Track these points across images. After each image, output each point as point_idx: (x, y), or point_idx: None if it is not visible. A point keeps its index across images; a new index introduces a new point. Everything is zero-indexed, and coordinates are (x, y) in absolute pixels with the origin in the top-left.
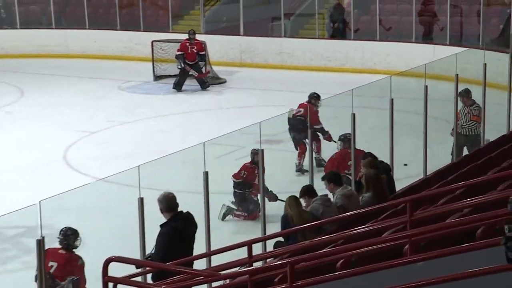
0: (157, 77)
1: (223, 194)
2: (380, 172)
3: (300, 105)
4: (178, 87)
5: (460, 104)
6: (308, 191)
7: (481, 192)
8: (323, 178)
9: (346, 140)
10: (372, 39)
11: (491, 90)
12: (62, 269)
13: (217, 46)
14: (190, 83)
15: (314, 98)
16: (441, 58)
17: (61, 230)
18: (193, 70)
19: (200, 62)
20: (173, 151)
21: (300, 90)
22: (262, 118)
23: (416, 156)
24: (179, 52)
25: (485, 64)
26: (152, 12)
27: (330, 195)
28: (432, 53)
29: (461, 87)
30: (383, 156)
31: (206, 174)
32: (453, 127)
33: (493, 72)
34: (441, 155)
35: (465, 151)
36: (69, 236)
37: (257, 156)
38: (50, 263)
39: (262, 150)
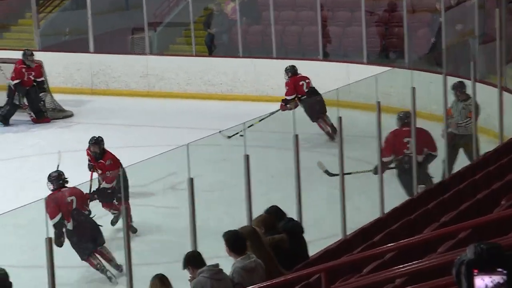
0: None
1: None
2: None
3: None
4: (3, 120)
5: (451, 99)
6: (192, 259)
7: (417, 255)
8: (223, 236)
9: (403, 117)
10: (267, 56)
11: (424, 121)
12: (81, 199)
13: (60, 67)
14: (19, 117)
15: None
16: (357, 81)
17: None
18: (29, 109)
19: (41, 94)
20: (1, 211)
21: (174, 125)
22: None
23: (332, 209)
24: (16, 81)
25: (414, 88)
26: None
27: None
28: (345, 73)
29: (385, 117)
30: (289, 211)
31: (49, 240)
32: (443, 128)
33: (423, 98)
34: (364, 208)
35: (462, 155)
36: (58, 177)
37: None
38: (69, 199)
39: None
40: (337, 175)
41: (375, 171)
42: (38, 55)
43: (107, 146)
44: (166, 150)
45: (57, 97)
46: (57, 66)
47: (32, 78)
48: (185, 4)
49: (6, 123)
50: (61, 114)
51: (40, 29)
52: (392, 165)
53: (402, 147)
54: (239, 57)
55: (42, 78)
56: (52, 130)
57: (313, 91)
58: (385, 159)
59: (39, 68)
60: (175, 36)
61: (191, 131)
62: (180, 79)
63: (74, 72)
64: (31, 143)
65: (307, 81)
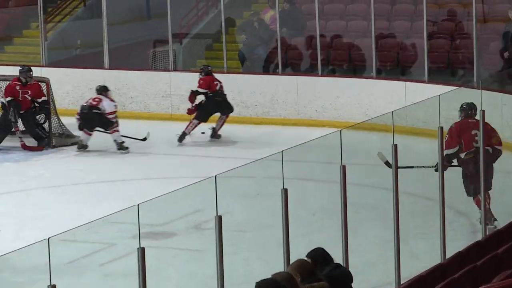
0: None
1: None
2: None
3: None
4: None
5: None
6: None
7: None
8: (256, 285)
9: (467, 109)
10: (311, 73)
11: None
12: None
13: (69, 85)
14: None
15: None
16: (416, 103)
17: None
18: (21, 132)
19: (40, 115)
20: None
21: (200, 153)
22: (143, 199)
23: (384, 254)
24: (9, 98)
25: (483, 111)
26: None
27: None
28: (402, 93)
29: None
30: (333, 255)
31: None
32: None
33: (495, 123)
34: (422, 252)
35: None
36: None
37: None
38: None
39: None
40: (400, 167)
41: (436, 168)
42: (45, 72)
43: (122, 177)
44: (191, 182)
45: (65, 120)
46: (66, 84)
47: (29, 98)
48: (216, 12)
49: None
50: (69, 140)
51: (48, 41)
52: (463, 156)
53: (470, 139)
54: (278, 74)
55: (44, 98)
56: (59, 159)
57: (222, 94)
58: (449, 151)
59: (37, 87)
60: (203, 50)
61: (221, 160)
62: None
63: (85, 92)
64: (34, 174)
65: (221, 84)
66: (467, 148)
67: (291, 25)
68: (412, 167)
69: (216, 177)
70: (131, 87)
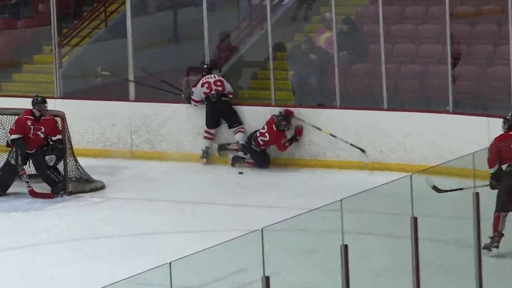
0: None
1: None
2: None
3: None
4: (1, 189)
5: None
6: None
7: None
8: None
9: (510, 120)
10: (375, 106)
11: None
12: None
13: (87, 120)
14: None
15: None
16: (502, 143)
17: None
18: (27, 176)
19: (50, 156)
20: None
21: (244, 202)
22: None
23: None
24: (15, 135)
25: None
26: None
27: None
28: (485, 131)
29: None
30: None
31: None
32: None
33: None
34: None
35: None
36: None
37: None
38: None
39: None
40: (447, 191)
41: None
42: (59, 104)
43: (150, 229)
44: (232, 237)
45: (83, 162)
46: (84, 120)
47: (42, 136)
48: (262, 34)
49: (2, 192)
50: (87, 186)
51: (63, 68)
52: (505, 168)
53: (509, 151)
54: (335, 107)
55: (59, 136)
56: (76, 208)
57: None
58: (492, 170)
59: (52, 123)
60: (247, 79)
61: (266, 210)
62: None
63: (107, 128)
64: (46, 225)
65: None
66: (506, 161)
67: (351, 50)
68: (461, 188)
69: (262, 230)
70: (161, 123)
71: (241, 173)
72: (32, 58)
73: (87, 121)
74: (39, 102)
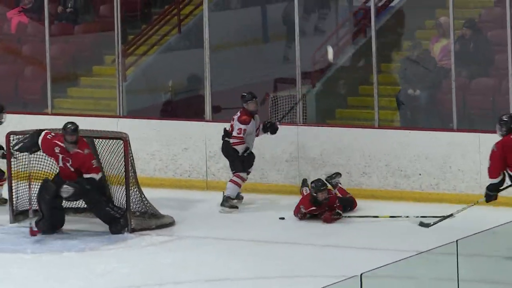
0: (17, 215)
1: None
2: None
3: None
4: (47, 229)
5: None
6: None
7: None
8: None
9: (509, 122)
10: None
11: None
12: None
13: (155, 144)
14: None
15: None
16: None
17: None
18: (33, 212)
19: (67, 187)
20: None
21: (343, 243)
22: None
23: None
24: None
25: None
26: (8, 69)
27: None
28: None
29: None
30: None
31: None
32: None
33: None
34: None
35: None
36: None
37: None
38: None
39: None
40: (435, 222)
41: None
42: (122, 124)
43: (226, 274)
44: (324, 284)
45: (149, 193)
46: (152, 143)
47: (72, 169)
48: (365, 42)
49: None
50: (153, 222)
51: (127, 81)
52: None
53: None
54: (452, 130)
55: (93, 175)
56: (140, 249)
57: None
58: (493, 181)
59: (81, 158)
60: (345, 95)
61: (364, 252)
62: (352, 166)
63: (178, 153)
64: (103, 269)
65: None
66: None
67: (472, 61)
68: (451, 215)
69: (361, 276)
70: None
71: (282, 218)
72: (91, 70)
73: (155, 145)
74: (71, 132)
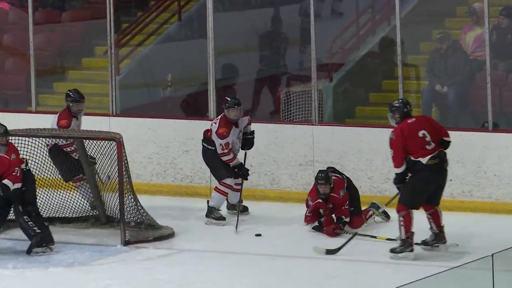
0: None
1: None
2: None
3: None
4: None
5: None
6: None
7: None
8: None
9: (401, 106)
10: None
11: None
12: None
13: (153, 146)
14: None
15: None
16: None
17: None
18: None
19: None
20: None
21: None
22: None
23: None
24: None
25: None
26: None
27: None
28: None
29: None
30: None
31: None
32: None
33: None
34: None
35: None
36: None
37: None
38: None
39: None
40: (339, 248)
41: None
42: (115, 124)
43: None
44: None
45: (146, 201)
46: (149, 144)
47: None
48: (389, 30)
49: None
50: (151, 233)
51: (121, 75)
52: (425, 161)
53: (422, 143)
54: (486, 130)
55: (8, 183)
56: (135, 264)
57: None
58: (398, 171)
59: (6, 163)
60: (366, 91)
61: (392, 268)
62: (374, 171)
63: (179, 156)
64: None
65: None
66: (418, 155)
67: (510, 52)
68: (353, 235)
69: None
70: (252, 150)
71: (258, 235)
72: (80, 62)
73: (153, 147)
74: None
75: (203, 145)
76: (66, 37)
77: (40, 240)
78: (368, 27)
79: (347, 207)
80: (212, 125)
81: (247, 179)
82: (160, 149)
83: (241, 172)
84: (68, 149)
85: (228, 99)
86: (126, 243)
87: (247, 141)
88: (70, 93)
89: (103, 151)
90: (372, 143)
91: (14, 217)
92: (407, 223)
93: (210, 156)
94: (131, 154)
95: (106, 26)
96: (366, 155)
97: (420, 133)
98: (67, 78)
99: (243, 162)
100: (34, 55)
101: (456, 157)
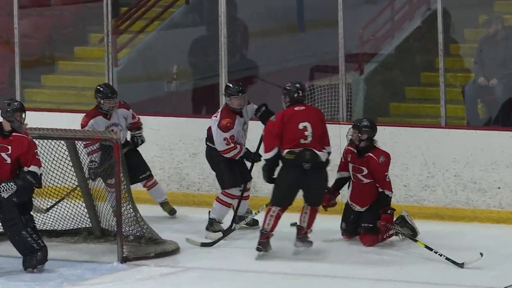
0: None
1: None
2: None
3: None
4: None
5: None
6: None
7: None
8: None
9: (293, 90)
10: None
11: None
12: None
13: (156, 148)
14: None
15: None
16: None
17: None
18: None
19: (6, 184)
20: None
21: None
22: None
23: None
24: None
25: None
26: None
27: None
28: None
29: None
30: None
31: None
32: None
33: None
34: None
35: None
36: None
37: None
38: None
39: None
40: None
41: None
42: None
43: None
44: None
45: (147, 211)
46: (150, 146)
47: (8, 161)
48: (428, 16)
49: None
50: (152, 248)
51: (119, 67)
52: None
53: (296, 135)
54: None
55: (33, 168)
56: (135, 283)
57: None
58: (266, 156)
59: (25, 144)
60: (402, 85)
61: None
62: (411, 177)
63: (185, 160)
64: None
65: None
66: (288, 145)
67: None
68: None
69: None
70: None
71: (294, 224)
72: (73, 52)
73: (155, 149)
74: (13, 109)
75: (207, 144)
76: (56, 23)
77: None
78: (404, 11)
79: (388, 180)
80: (212, 119)
81: (260, 160)
82: (164, 151)
83: (252, 157)
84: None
85: (230, 85)
86: (124, 260)
87: (264, 114)
88: (101, 88)
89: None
90: (409, 145)
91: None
92: (268, 217)
93: (214, 156)
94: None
95: (102, 10)
96: (402, 159)
97: (301, 125)
98: (57, 70)
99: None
100: (19, 43)
101: (506, 161)
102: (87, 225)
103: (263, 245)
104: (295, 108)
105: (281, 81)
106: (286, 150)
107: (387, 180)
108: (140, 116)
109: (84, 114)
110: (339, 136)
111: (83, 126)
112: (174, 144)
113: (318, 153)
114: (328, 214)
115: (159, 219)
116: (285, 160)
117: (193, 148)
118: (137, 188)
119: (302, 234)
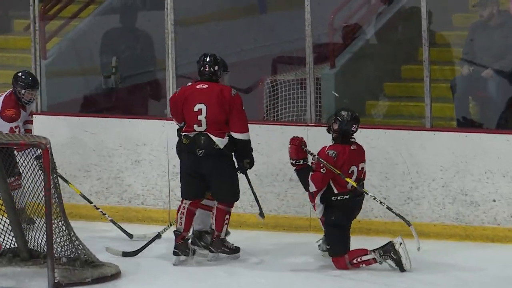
0: None
1: None
2: None
3: None
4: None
5: None
6: None
7: None
8: None
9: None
10: None
11: None
12: None
13: (94, 156)
14: None
15: None
16: None
17: None
18: None
19: None
20: None
21: None
22: None
23: None
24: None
25: None
26: None
27: None
28: None
29: None
30: None
31: None
32: None
33: None
34: None
35: None
36: None
37: None
38: None
39: None
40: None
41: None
42: (40, 124)
43: None
44: None
45: (83, 229)
46: (86, 152)
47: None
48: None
49: None
50: (88, 272)
51: (48, 59)
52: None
53: (191, 118)
54: None
55: None
56: None
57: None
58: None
59: None
60: (380, 80)
61: None
62: (391, 188)
63: (126, 169)
64: None
65: None
66: (186, 128)
67: None
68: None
69: None
70: None
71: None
72: None
73: (91, 156)
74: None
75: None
76: None
77: None
78: None
79: (323, 171)
80: None
81: None
82: (101, 158)
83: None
84: None
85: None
86: (55, 286)
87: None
88: (22, 76)
89: (24, 161)
90: (388, 151)
91: None
92: (179, 215)
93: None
94: (62, 164)
95: None
96: (381, 167)
97: (196, 107)
98: None
99: None
100: None
101: (502, 169)
102: (12, 245)
103: (180, 248)
104: (197, 87)
105: (238, 75)
106: (183, 134)
107: (321, 171)
108: (73, 117)
109: None
110: (307, 140)
111: (15, 119)
112: (113, 150)
113: (214, 138)
114: None
115: (97, 239)
116: (182, 144)
117: (135, 155)
118: (69, 202)
119: (214, 238)
